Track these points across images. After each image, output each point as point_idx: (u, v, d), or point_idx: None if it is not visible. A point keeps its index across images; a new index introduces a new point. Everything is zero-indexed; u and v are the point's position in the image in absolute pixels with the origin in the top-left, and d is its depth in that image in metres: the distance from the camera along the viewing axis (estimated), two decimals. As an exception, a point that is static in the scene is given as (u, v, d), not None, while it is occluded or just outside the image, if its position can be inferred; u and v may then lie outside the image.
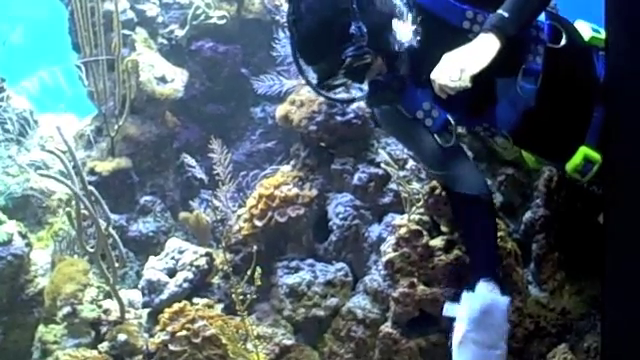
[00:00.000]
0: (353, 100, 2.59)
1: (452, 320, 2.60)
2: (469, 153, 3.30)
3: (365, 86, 2.54)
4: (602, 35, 2.60)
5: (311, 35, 2.46)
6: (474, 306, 2.52)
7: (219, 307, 3.88)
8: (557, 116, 2.55)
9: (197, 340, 3.59)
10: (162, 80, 4.85)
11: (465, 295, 2.57)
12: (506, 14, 2.34)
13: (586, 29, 2.71)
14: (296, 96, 4.03)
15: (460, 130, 3.06)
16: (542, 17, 2.55)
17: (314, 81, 2.56)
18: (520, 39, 2.48)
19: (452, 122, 2.63)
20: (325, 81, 2.52)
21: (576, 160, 2.53)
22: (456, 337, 2.54)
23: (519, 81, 2.49)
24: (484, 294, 2.54)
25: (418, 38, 2.50)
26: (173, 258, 4.01)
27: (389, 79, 2.52)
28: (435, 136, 2.65)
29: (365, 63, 2.45)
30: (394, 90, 2.55)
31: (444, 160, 2.71)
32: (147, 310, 3.96)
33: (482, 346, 2.50)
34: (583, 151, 2.52)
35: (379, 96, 2.56)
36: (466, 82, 2.32)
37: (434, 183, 3.13)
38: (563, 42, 2.54)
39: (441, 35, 2.44)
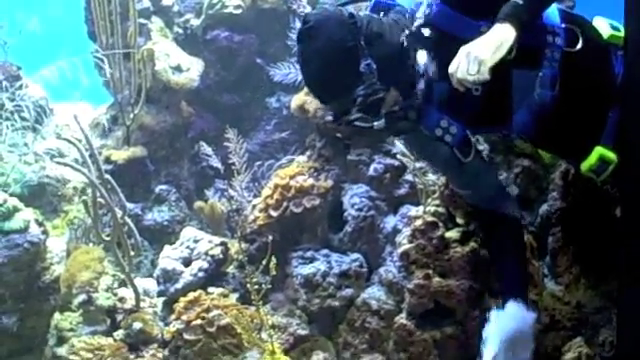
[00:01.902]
0: (372, 127, 2.54)
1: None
2: (485, 145, 3.30)
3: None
4: (621, 33, 2.56)
5: (321, 78, 2.44)
6: (506, 327, 2.52)
7: (234, 296, 3.90)
8: (574, 118, 2.53)
9: (212, 329, 3.60)
10: (177, 69, 4.86)
11: (495, 314, 2.56)
12: (520, 1, 2.32)
13: (605, 27, 2.66)
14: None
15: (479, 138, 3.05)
16: (557, 20, 2.52)
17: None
18: (537, 47, 2.45)
19: (471, 137, 2.61)
20: (341, 118, 2.50)
21: (591, 160, 2.51)
22: (488, 356, 2.52)
23: (537, 88, 2.47)
24: (514, 314, 2.54)
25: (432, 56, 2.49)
26: (188, 247, 4.02)
27: (406, 108, 2.50)
28: (455, 151, 2.62)
29: (378, 98, 2.44)
30: (410, 120, 2.53)
31: (472, 179, 2.70)
32: (162, 299, 3.98)
33: None
34: (599, 151, 2.49)
35: (396, 126, 2.54)
36: (485, 75, 2.28)
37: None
38: (579, 45, 2.51)
39: (456, 52, 2.39)
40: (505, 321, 2.53)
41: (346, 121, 2.49)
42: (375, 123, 2.47)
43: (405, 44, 2.47)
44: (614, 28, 2.65)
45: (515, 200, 2.88)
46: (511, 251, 2.70)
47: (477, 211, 2.85)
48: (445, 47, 2.44)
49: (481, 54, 2.28)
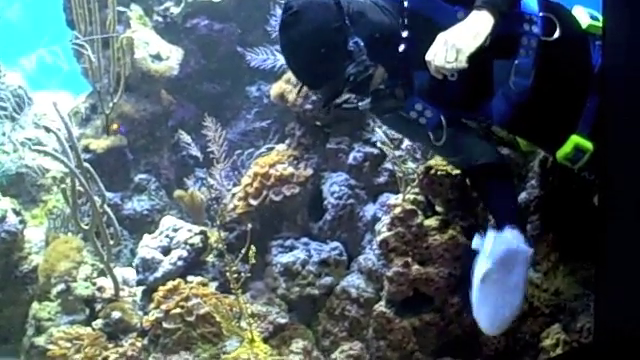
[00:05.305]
0: (357, 108, 2.54)
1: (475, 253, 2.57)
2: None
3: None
4: (600, 23, 2.55)
5: (310, 64, 2.43)
6: (500, 246, 2.48)
7: (213, 285, 3.88)
8: (550, 106, 2.53)
9: (191, 318, 3.59)
10: (157, 58, 4.84)
11: (491, 233, 2.51)
12: None
13: (584, 16, 2.64)
14: (291, 74, 4.01)
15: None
16: (535, 9, 2.51)
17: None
18: (513, 35, 2.45)
19: (444, 123, 2.61)
20: (331, 101, 2.49)
21: (566, 149, 2.51)
22: (478, 271, 2.49)
23: (512, 77, 2.46)
24: (510, 238, 2.49)
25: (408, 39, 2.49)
26: (167, 236, 4.01)
27: (391, 85, 2.50)
28: (429, 134, 2.63)
29: (368, 75, 2.43)
30: (397, 98, 2.53)
31: (455, 146, 2.70)
32: (141, 288, 3.97)
33: (502, 288, 2.46)
34: (574, 140, 2.49)
35: (382, 105, 2.54)
36: (462, 63, 2.28)
37: (429, 163, 3.13)
38: (557, 34, 2.50)
39: (433, 37, 2.39)
40: (501, 241, 2.49)
41: (335, 105, 2.49)
42: (360, 104, 2.47)
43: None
44: (593, 18, 2.63)
45: (495, 147, 2.85)
46: (503, 191, 2.69)
47: (466, 171, 2.84)
48: (421, 31, 2.44)
49: (459, 42, 2.28)
